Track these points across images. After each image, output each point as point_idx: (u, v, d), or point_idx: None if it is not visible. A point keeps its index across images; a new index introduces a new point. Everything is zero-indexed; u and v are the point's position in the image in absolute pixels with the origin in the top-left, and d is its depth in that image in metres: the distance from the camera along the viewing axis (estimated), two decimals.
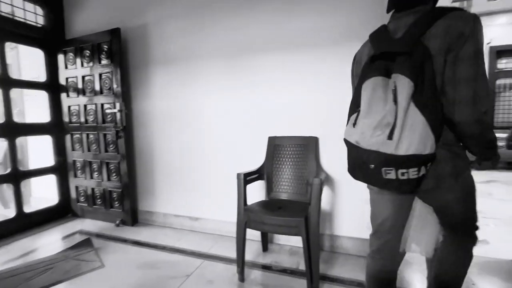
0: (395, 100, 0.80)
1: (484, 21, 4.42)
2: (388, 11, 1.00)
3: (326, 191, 2.01)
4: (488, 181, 4.00)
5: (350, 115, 0.98)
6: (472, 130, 0.83)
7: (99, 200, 2.72)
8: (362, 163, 0.88)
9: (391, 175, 0.82)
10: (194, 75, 2.34)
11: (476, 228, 1.03)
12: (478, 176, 1.09)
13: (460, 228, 1.03)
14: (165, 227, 2.54)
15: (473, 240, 1.04)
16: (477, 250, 1.08)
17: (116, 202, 2.63)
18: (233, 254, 1.71)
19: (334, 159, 1.96)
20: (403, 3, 0.93)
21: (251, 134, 2.19)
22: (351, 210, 1.95)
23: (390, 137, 0.79)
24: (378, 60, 0.88)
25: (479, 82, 0.79)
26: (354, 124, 0.91)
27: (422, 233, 1.16)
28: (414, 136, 0.77)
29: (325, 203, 2.02)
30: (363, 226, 1.93)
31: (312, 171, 1.89)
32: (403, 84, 0.79)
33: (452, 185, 0.89)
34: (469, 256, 1.04)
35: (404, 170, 0.80)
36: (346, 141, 0.97)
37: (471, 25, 0.78)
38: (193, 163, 2.42)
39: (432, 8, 0.89)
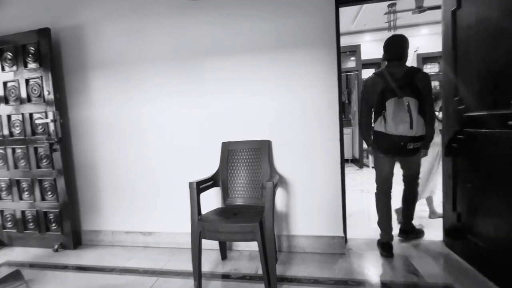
0: (409, 110, 1.67)
1: (411, 31, 4.98)
2: (384, 60, 1.92)
3: (281, 193, 2.05)
4: None
5: (376, 117, 1.80)
6: (432, 125, 1.87)
7: (31, 224, 2.37)
8: (395, 143, 1.73)
9: (411, 146, 1.72)
10: (138, 79, 2.20)
11: (417, 181, 2.07)
12: None
13: (410, 177, 2.03)
14: (114, 246, 2.32)
15: (416, 185, 2.07)
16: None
17: (53, 224, 2.32)
18: (190, 267, 1.62)
19: (287, 161, 2.01)
20: (396, 58, 1.85)
21: (203, 141, 2.13)
22: (305, 209, 2.02)
23: (411, 127, 1.67)
24: (391, 89, 1.73)
25: (433, 104, 1.88)
26: (385, 122, 1.73)
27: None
28: (420, 127, 1.70)
29: (281, 205, 2.05)
30: (317, 223, 2.01)
31: (266, 174, 1.90)
32: (413, 103, 1.68)
33: (419, 153, 1.88)
34: (416, 191, 2.09)
35: (417, 143, 1.74)
36: (377, 131, 1.81)
37: (429, 78, 1.81)
38: (143, 174, 2.26)
39: (411, 67, 1.84)
